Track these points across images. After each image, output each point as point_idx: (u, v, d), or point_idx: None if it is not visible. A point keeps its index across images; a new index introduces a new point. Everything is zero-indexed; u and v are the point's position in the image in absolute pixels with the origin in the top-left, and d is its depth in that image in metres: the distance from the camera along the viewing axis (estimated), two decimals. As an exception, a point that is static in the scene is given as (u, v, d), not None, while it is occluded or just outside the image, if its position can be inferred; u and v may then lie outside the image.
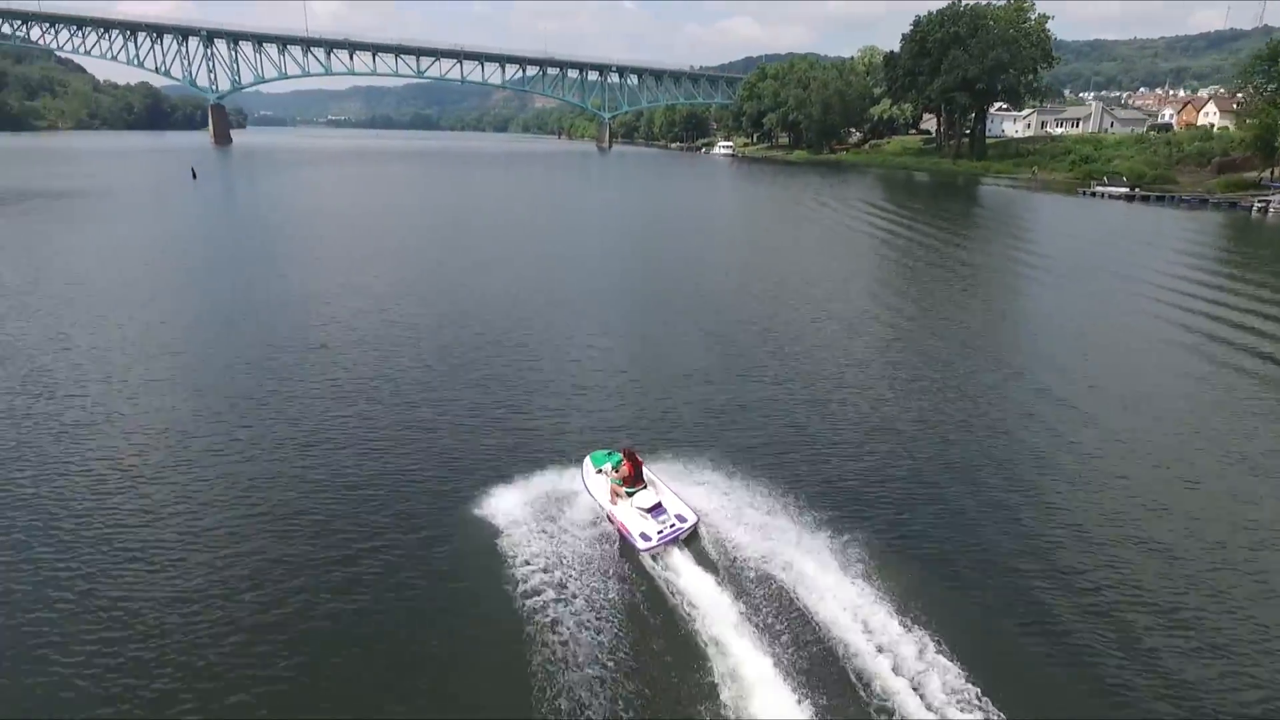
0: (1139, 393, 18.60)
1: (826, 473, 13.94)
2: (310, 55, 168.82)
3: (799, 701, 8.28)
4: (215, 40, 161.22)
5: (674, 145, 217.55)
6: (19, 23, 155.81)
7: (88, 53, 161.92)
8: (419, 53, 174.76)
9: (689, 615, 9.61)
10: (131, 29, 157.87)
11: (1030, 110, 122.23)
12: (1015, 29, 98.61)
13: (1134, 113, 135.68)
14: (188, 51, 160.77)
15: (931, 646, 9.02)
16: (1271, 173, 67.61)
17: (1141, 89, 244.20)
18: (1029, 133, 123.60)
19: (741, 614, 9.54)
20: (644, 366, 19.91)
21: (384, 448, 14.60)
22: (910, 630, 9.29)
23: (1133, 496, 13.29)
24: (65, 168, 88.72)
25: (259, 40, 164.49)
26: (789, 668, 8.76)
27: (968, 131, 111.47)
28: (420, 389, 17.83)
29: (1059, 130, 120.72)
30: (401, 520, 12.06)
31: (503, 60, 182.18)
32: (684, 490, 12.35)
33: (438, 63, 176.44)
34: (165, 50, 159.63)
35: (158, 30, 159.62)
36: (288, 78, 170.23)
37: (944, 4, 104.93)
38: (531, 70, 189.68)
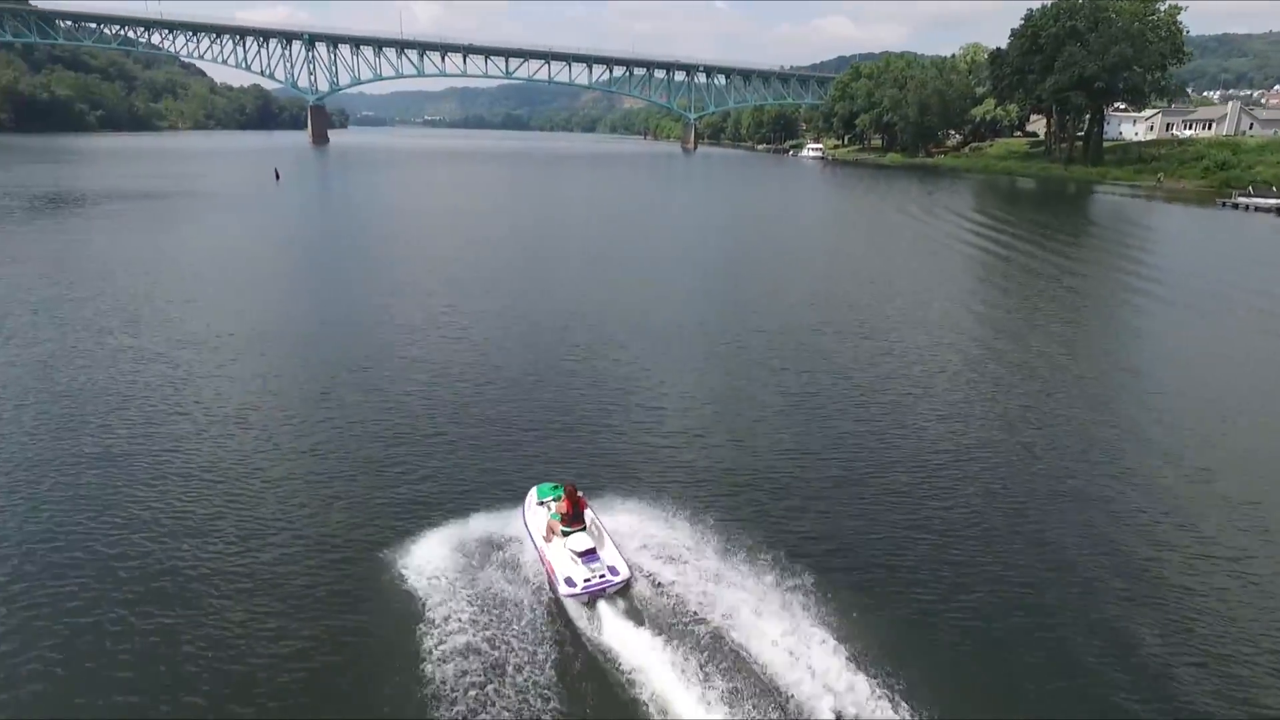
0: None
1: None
2: (404, 57, 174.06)
3: None
4: (316, 44, 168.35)
5: (760, 147, 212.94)
6: (143, 29, 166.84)
7: (201, 57, 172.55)
8: (508, 54, 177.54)
9: (607, 670, 8.85)
10: (241, 33, 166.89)
11: (1154, 111, 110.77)
12: (1141, 22, 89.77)
13: (1277, 113, 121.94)
14: (291, 55, 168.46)
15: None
16: None
17: (1278, 87, 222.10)
18: (1151, 135, 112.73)
19: (671, 676, 8.44)
20: (703, 418, 17.04)
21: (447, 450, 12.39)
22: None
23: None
24: (175, 167, 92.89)
25: (356, 43, 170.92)
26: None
27: (1081, 134, 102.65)
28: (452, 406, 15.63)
29: (1187, 133, 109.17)
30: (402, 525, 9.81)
31: (589, 60, 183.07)
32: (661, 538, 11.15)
33: (526, 64, 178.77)
34: (270, 54, 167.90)
35: (264, 35, 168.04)
36: (382, 79, 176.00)
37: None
38: (619, 71, 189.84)
